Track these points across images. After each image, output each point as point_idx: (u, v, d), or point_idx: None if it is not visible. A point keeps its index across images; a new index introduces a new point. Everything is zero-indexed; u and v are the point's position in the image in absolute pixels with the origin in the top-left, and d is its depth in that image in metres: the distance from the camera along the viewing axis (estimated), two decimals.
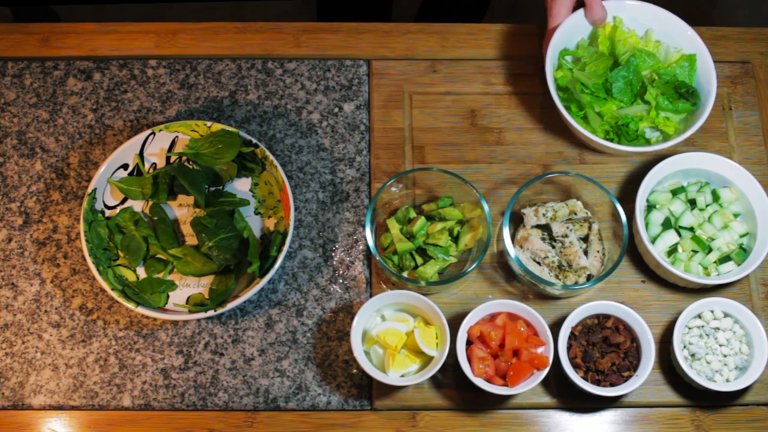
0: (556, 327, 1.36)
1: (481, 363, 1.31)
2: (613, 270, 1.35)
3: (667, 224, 1.42)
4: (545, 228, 1.42)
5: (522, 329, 1.33)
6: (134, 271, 1.38)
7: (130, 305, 1.31)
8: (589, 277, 1.38)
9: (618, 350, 1.34)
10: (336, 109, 1.51)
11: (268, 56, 1.55)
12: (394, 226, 1.40)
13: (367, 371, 1.30)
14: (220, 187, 1.43)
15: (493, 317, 1.35)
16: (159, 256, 1.39)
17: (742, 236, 1.42)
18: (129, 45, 1.54)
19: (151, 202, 1.41)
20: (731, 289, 1.43)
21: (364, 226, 1.44)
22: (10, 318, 1.38)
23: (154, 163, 1.43)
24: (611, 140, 1.42)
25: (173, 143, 1.43)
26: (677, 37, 1.46)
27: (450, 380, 1.37)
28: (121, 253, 1.38)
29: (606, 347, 1.34)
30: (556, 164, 1.49)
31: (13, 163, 1.47)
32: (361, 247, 1.44)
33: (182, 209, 1.43)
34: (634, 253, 1.44)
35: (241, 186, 1.44)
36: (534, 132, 1.51)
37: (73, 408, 1.35)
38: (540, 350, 1.32)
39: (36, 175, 1.46)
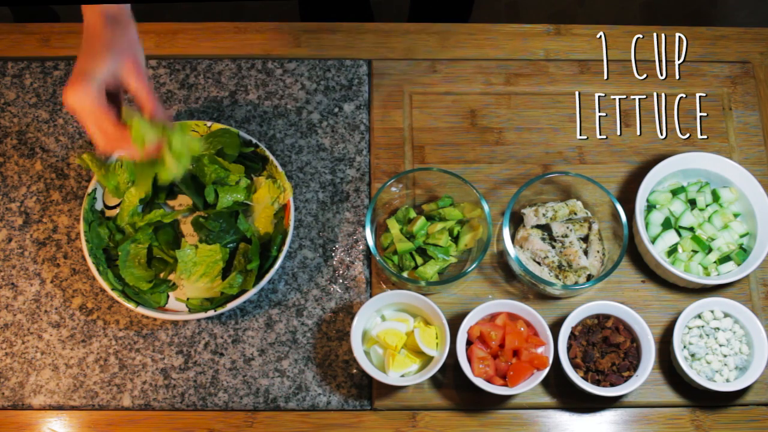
0: (556, 327, 1.36)
1: (481, 363, 1.31)
2: (613, 270, 1.35)
3: (667, 224, 1.42)
4: (545, 228, 1.42)
5: (522, 329, 1.33)
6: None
7: (130, 305, 1.31)
8: (589, 277, 1.38)
9: (618, 350, 1.34)
10: (336, 109, 1.51)
11: (268, 56, 1.55)
12: (394, 226, 1.40)
13: (367, 371, 1.30)
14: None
15: (493, 317, 1.35)
16: (159, 256, 1.39)
17: (742, 236, 1.42)
18: None
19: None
20: (731, 289, 1.43)
21: (364, 226, 1.44)
22: (10, 318, 1.38)
23: None
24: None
25: None
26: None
27: (450, 380, 1.36)
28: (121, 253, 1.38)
29: (606, 347, 1.34)
30: (556, 164, 1.49)
31: (13, 163, 1.47)
32: (361, 247, 1.44)
33: (182, 209, 1.43)
34: (634, 253, 1.44)
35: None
36: (534, 132, 1.51)
37: (73, 408, 1.34)
38: (540, 350, 1.32)
39: (36, 175, 1.46)
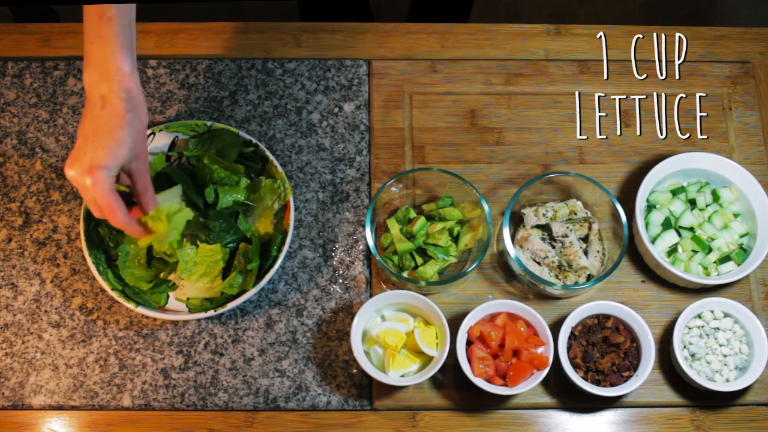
0: (556, 327, 1.36)
1: (481, 363, 1.31)
2: (613, 270, 1.35)
3: (667, 224, 1.42)
4: (545, 228, 1.42)
5: (522, 329, 1.33)
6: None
7: (130, 305, 1.31)
8: (589, 277, 1.38)
9: (618, 350, 1.34)
10: (336, 109, 1.51)
11: (268, 56, 1.55)
12: (394, 226, 1.40)
13: (367, 371, 1.30)
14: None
15: (493, 317, 1.35)
16: (159, 256, 1.39)
17: (742, 236, 1.42)
18: None
19: None
20: (731, 289, 1.43)
21: (364, 226, 1.44)
22: (10, 318, 1.38)
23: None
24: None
25: (173, 143, 1.43)
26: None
27: (450, 380, 1.37)
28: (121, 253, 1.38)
29: (606, 347, 1.34)
30: (556, 164, 1.49)
31: (13, 163, 1.47)
32: (361, 247, 1.44)
33: None
34: (634, 253, 1.44)
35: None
36: (534, 132, 1.51)
37: (73, 408, 1.34)
38: (540, 350, 1.32)
39: (36, 175, 1.46)
